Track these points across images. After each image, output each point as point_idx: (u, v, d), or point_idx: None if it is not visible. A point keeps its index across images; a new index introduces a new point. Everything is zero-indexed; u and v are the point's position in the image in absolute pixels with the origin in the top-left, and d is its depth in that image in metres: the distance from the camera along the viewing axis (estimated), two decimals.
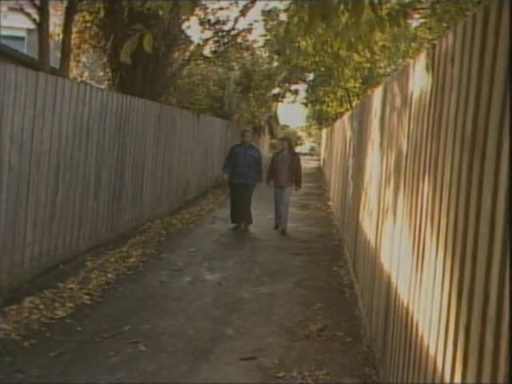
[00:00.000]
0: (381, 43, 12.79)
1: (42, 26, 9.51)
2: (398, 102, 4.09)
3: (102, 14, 11.34)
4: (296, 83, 22.19)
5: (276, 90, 24.69)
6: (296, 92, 24.07)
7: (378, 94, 5.69)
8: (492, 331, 1.83)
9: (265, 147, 35.56)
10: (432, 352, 2.52)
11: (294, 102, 26.06)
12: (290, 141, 11.35)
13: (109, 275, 6.73)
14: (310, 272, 7.67)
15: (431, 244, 2.69)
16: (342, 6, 2.63)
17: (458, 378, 2.11)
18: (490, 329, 1.85)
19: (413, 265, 3.11)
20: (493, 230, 1.88)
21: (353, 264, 7.07)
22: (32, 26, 10.46)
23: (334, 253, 8.95)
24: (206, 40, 13.83)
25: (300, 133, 71.03)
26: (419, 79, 3.28)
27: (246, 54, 18.32)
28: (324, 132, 32.00)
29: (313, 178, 25.21)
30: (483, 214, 1.98)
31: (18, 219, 5.87)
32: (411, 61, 3.68)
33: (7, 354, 4.33)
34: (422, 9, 6.76)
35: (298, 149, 62.59)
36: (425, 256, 2.82)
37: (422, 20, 8.90)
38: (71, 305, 5.58)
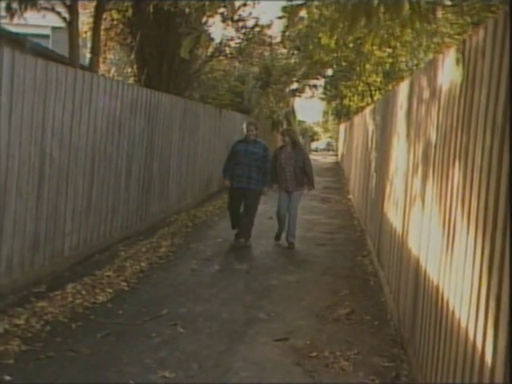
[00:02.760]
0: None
1: (71, 24, 9.82)
2: (426, 94, 4.30)
3: (129, 12, 11.64)
4: (315, 78, 22.32)
5: (294, 86, 24.86)
6: (315, 87, 24.19)
7: (403, 87, 5.88)
8: None
9: None
10: (464, 321, 2.74)
11: (312, 97, 26.21)
12: (293, 134, 9.50)
13: (142, 264, 7.02)
14: (335, 261, 7.90)
15: (462, 224, 2.91)
16: (382, 5, 2.83)
17: (489, 340, 2.34)
18: None
19: (443, 245, 3.33)
20: None
21: (377, 253, 7.29)
22: (57, 23, 10.78)
23: (357, 243, 9.17)
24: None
25: (317, 128, 71.04)
26: (449, 72, 3.48)
27: (265, 50, 18.49)
28: (342, 127, 32.06)
29: (332, 172, 25.42)
30: None
31: (59, 210, 6.17)
32: (440, 55, 3.89)
33: (57, 335, 4.62)
34: (450, 6, 6.94)
35: (314, 144, 62.49)
36: (455, 236, 3.04)
37: (446, 15, 9.05)
38: (110, 290, 5.87)
